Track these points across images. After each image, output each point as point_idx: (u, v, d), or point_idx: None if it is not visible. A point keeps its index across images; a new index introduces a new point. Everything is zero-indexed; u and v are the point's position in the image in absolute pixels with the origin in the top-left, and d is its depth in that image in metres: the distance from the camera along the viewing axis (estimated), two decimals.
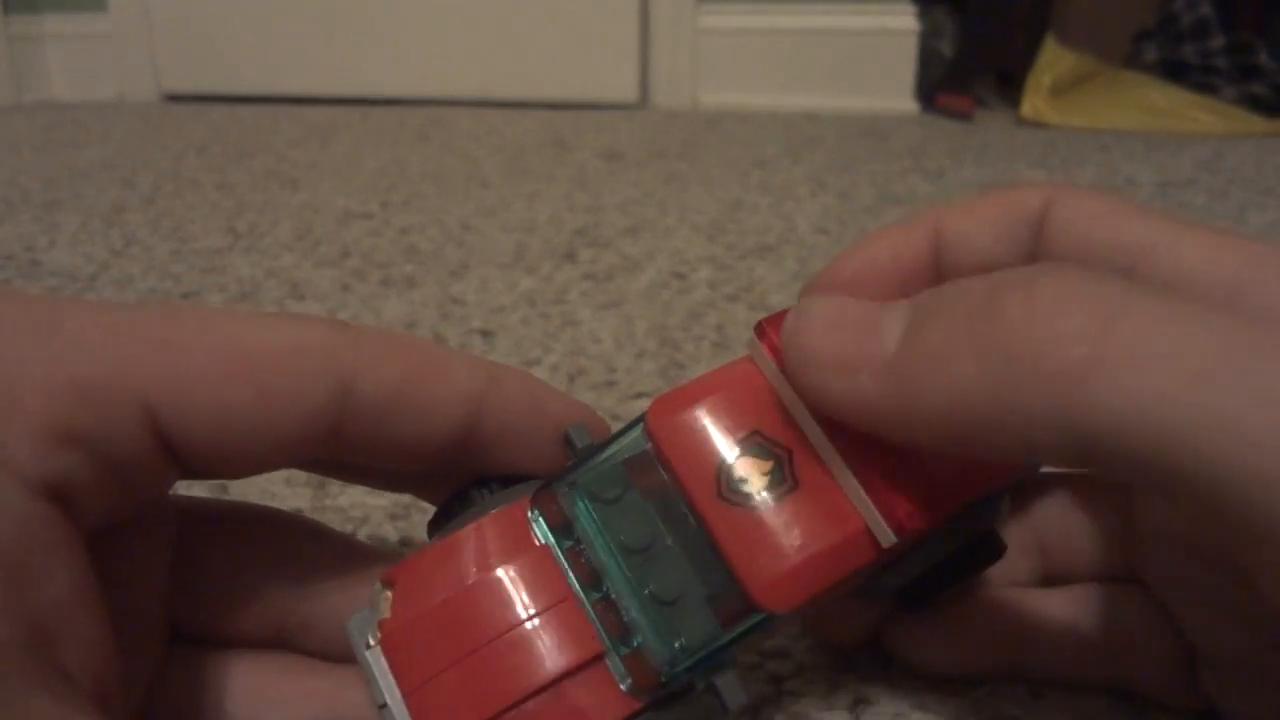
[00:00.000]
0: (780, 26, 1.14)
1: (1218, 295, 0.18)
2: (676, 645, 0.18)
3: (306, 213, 0.73)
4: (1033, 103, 1.04)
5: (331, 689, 0.21)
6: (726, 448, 0.19)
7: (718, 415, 0.19)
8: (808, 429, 0.19)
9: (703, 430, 0.19)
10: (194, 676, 0.21)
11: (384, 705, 0.18)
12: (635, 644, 0.18)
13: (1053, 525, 0.25)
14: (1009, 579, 0.24)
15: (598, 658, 0.18)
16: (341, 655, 0.21)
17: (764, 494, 0.18)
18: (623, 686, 0.17)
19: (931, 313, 0.16)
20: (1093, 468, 0.15)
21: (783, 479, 0.18)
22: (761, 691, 0.24)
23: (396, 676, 0.18)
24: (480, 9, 1.17)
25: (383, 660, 0.19)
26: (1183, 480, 0.14)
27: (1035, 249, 0.22)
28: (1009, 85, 1.16)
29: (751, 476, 0.19)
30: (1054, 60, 1.07)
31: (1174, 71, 1.09)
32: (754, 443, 0.19)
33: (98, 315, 0.17)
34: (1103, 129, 1.00)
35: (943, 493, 0.18)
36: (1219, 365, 0.13)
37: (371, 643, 0.19)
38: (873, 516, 0.18)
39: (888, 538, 0.18)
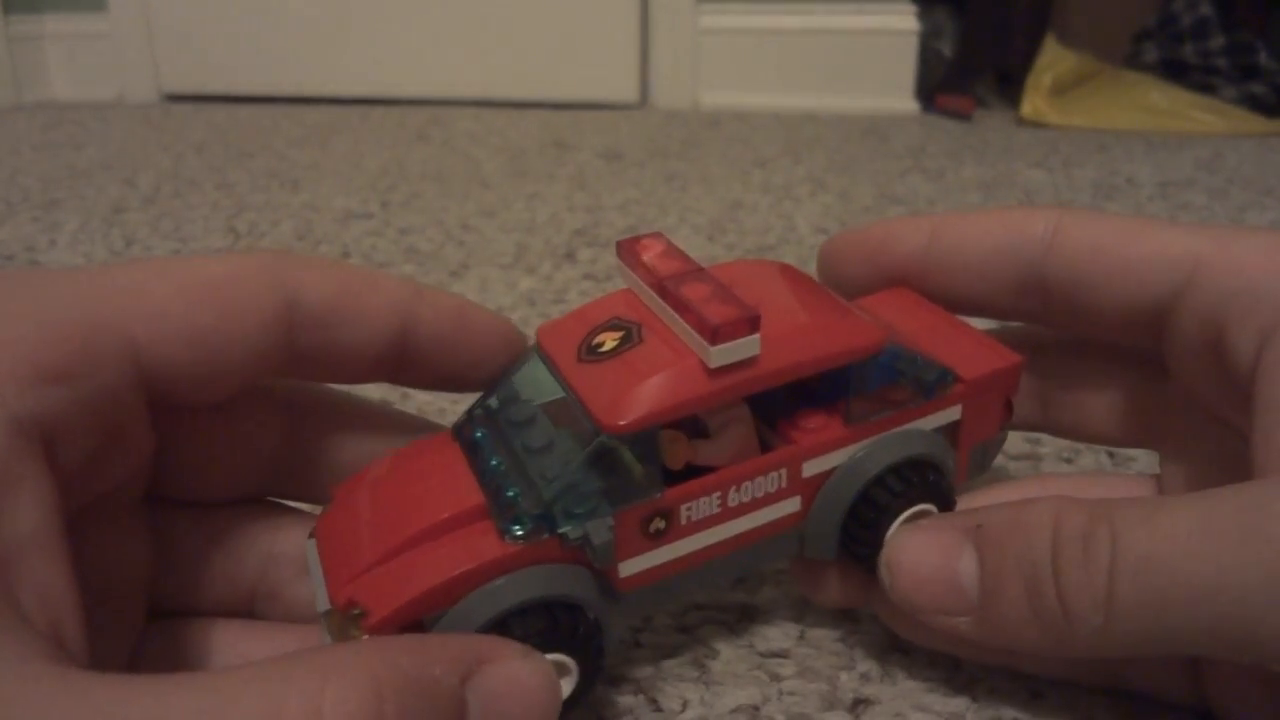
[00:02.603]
0: (780, 26, 1.14)
1: None
2: (541, 484, 0.20)
3: (306, 213, 0.73)
4: (1033, 103, 1.03)
5: (298, 641, 0.22)
6: (589, 330, 0.22)
7: (585, 316, 0.23)
8: (655, 306, 0.22)
9: (572, 325, 0.23)
10: (170, 644, 0.22)
11: (325, 611, 0.20)
12: (516, 502, 0.20)
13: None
14: None
15: (480, 513, 0.20)
16: (308, 618, 0.23)
17: (614, 350, 0.21)
18: (502, 537, 0.20)
19: (997, 581, 0.20)
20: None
21: (631, 339, 0.21)
22: (762, 691, 0.24)
23: (321, 551, 0.21)
24: (480, 9, 1.17)
25: (314, 548, 0.21)
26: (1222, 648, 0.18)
27: (1045, 271, 0.23)
28: (1009, 85, 1.16)
29: (606, 341, 0.22)
30: (1054, 60, 1.06)
31: (1174, 71, 1.09)
32: (611, 323, 0.22)
33: (74, 273, 0.19)
34: (1103, 129, 1.00)
35: (775, 339, 0.21)
36: (1211, 571, 0.17)
37: (311, 535, 0.22)
38: (699, 343, 0.20)
39: (708, 354, 0.20)
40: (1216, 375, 0.22)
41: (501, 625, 0.19)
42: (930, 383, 0.23)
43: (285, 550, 0.23)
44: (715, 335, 0.19)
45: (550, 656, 0.20)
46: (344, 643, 0.17)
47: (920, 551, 0.22)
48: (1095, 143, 0.94)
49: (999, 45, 1.19)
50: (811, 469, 0.23)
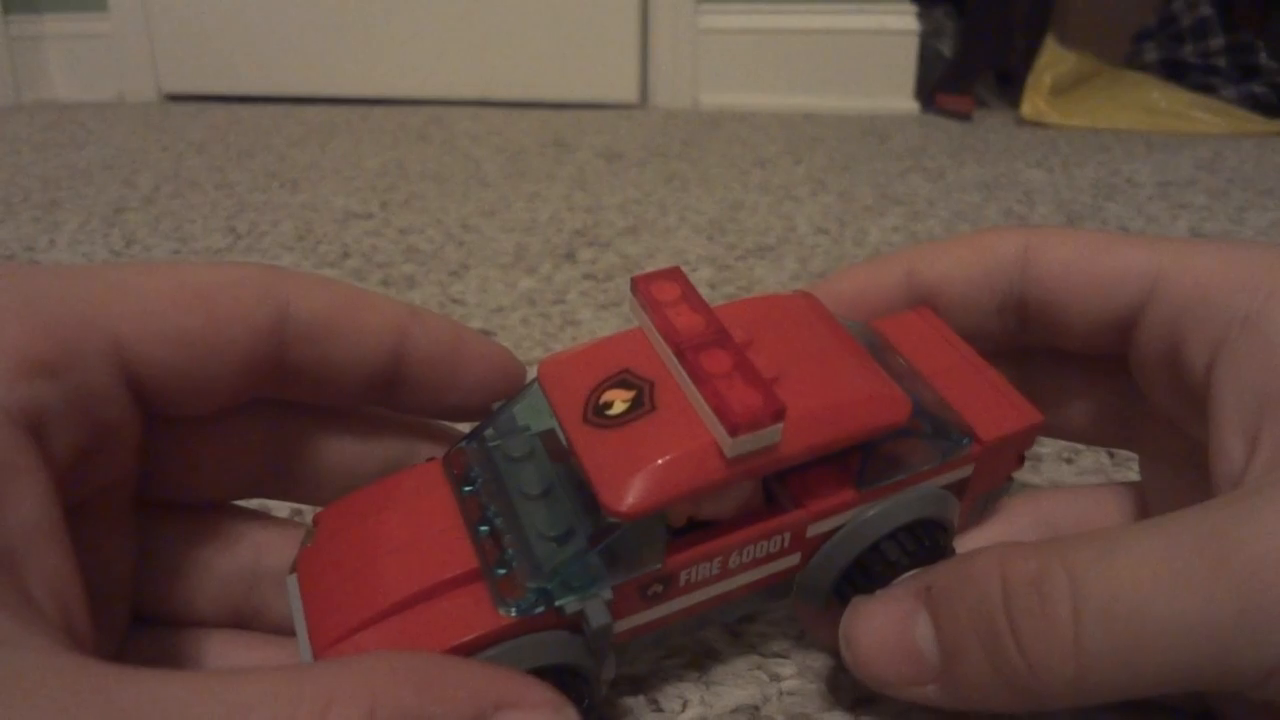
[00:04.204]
0: (780, 26, 1.14)
1: (1235, 324, 0.20)
2: (543, 559, 0.19)
3: (306, 213, 0.73)
4: (1033, 103, 1.04)
5: (289, 656, 0.22)
6: (597, 382, 0.21)
7: (594, 360, 0.21)
8: (669, 363, 0.20)
9: (579, 371, 0.21)
10: (154, 654, 0.22)
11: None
12: (511, 565, 0.19)
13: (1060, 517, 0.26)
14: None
15: (474, 576, 0.19)
16: (293, 630, 0.22)
17: (624, 416, 0.20)
18: (496, 606, 0.19)
19: (954, 644, 0.20)
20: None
21: (642, 404, 0.20)
22: (762, 691, 0.24)
23: (304, 594, 0.20)
24: (480, 9, 1.17)
25: (296, 584, 0.21)
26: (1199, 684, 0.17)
27: (1022, 291, 0.23)
28: (1009, 85, 1.16)
29: (614, 402, 0.20)
30: (1054, 60, 1.06)
31: (1174, 71, 1.09)
32: (621, 378, 0.21)
33: (63, 270, 0.19)
34: (1103, 129, 1.00)
35: (796, 420, 0.19)
36: (1183, 610, 0.17)
37: (292, 570, 0.21)
38: (716, 428, 0.19)
39: (726, 444, 0.19)
40: (1176, 387, 0.22)
41: None
42: (947, 447, 0.22)
43: (271, 567, 0.23)
44: (736, 429, 0.18)
45: None
46: (356, 659, 0.16)
47: (875, 624, 0.21)
48: (1095, 143, 0.94)
49: (999, 45, 1.19)
50: (816, 529, 0.22)
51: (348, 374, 0.21)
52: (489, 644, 0.19)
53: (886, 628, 0.21)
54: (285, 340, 0.20)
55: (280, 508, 0.31)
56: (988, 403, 0.23)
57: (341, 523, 0.21)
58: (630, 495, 0.19)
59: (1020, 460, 0.24)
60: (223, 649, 0.22)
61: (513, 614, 0.19)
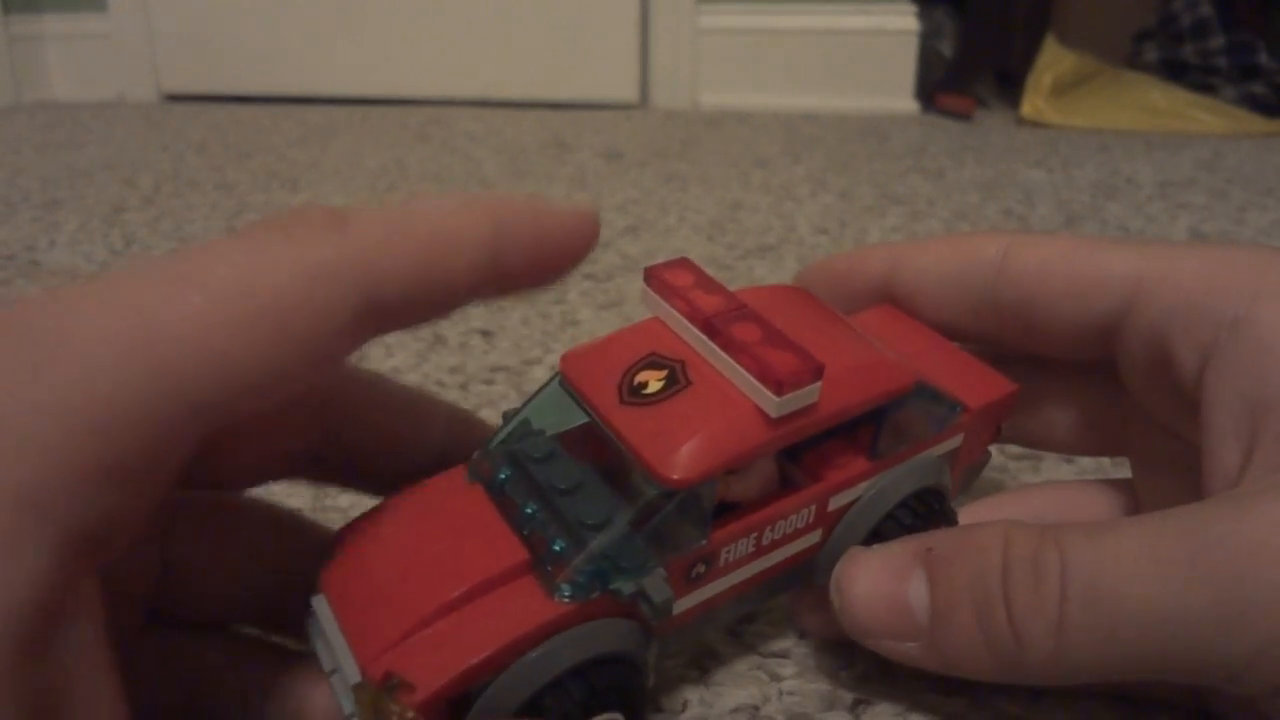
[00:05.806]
0: (780, 26, 1.14)
1: (1224, 328, 0.20)
2: (591, 544, 0.19)
3: None
4: (1033, 103, 1.04)
5: (304, 668, 0.21)
6: (627, 367, 0.21)
7: (616, 349, 0.22)
8: (696, 342, 0.21)
9: (604, 361, 0.21)
10: (167, 656, 0.21)
11: (333, 671, 0.19)
12: (561, 554, 0.19)
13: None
14: None
15: (523, 569, 0.19)
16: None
17: (661, 393, 0.20)
18: (551, 595, 0.19)
19: (947, 605, 0.20)
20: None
21: (676, 380, 0.20)
22: (762, 691, 0.24)
23: (337, 610, 0.19)
24: (480, 9, 1.17)
25: (325, 603, 0.20)
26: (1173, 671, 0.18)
27: (998, 293, 0.24)
28: (1009, 85, 1.16)
29: (649, 382, 0.20)
30: (1054, 60, 1.06)
31: (1174, 71, 1.09)
32: (650, 360, 0.21)
33: (101, 317, 0.15)
34: (1103, 129, 1.00)
35: (829, 384, 0.20)
36: (1157, 597, 0.17)
37: (316, 590, 0.20)
38: (758, 391, 0.19)
39: (771, 404, 0.19)
40: (1166, 390, 0.22)
41: (555, 688, 0.19)
42: (943, 415, 0.23)
43: (299, 573, 0.21)
44: (780, 387, 0.19)
45: (603, 717, 0.20)
46: None
47: (870, 574, 0.21)
48: (1095, 143, 0.94)
49: (999, 45, 1.19)
50: (836, 502, 0.22)
51: (438, 315, 0.19)
52: (547, 634, 0.19)
53: (881, 579, 0.21)
54: (371, 328, 0.18)
55: (296, 503, 0.31)
56: (965, 377, 0.25)
57: (367, 535, 0.20)
58: (682, 464, 0.19)
59: (997, 431, 0.26)
60: (236, 654, 0.21)
61: (567, 599, 0.19)
